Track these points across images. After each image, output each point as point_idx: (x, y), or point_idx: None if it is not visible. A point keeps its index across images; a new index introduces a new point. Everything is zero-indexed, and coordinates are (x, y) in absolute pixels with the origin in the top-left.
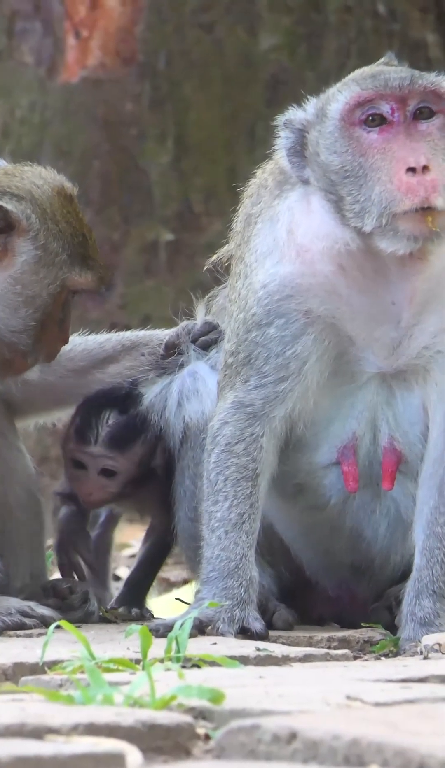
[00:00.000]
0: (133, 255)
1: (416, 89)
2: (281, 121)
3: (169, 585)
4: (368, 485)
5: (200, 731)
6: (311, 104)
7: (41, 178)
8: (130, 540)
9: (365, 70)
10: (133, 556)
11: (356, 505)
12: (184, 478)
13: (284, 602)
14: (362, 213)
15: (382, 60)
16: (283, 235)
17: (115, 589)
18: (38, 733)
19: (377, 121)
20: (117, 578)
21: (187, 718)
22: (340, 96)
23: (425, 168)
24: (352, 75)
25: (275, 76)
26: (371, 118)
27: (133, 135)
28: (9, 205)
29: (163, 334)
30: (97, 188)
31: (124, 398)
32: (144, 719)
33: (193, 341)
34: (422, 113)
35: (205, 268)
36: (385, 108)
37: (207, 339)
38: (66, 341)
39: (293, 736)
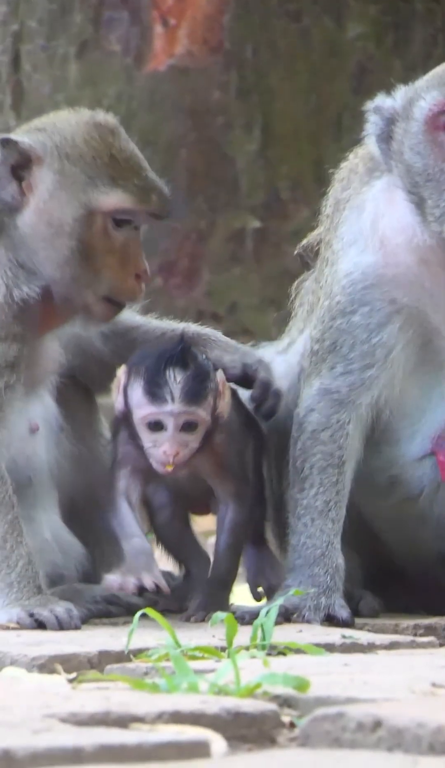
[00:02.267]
0: (219, 244)
1: None
2: (370, 106)
3: None
4: None
5: (285, 719)
6: (400, 95)
7: (75, 113)
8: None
9: None
10: None
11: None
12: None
13: (370, 590)
14: (442, 218)
15: None
16: (367, 224)
17: None
18: (123, 721)
19: None
20: None
21: (272, 706)
22: (427, 97)
23: None
24: (441, 71)
25: (362, 65)
26: None
27: (220, 124)
28: (23, 138)
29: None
30: (184, 178)
31: (180, 353)
32: (229, 707)
33: (256, 407)
34: None
35: (295, 252)
36: None
37: (270, 407)
38: (142, 276)
39: (377, 724)
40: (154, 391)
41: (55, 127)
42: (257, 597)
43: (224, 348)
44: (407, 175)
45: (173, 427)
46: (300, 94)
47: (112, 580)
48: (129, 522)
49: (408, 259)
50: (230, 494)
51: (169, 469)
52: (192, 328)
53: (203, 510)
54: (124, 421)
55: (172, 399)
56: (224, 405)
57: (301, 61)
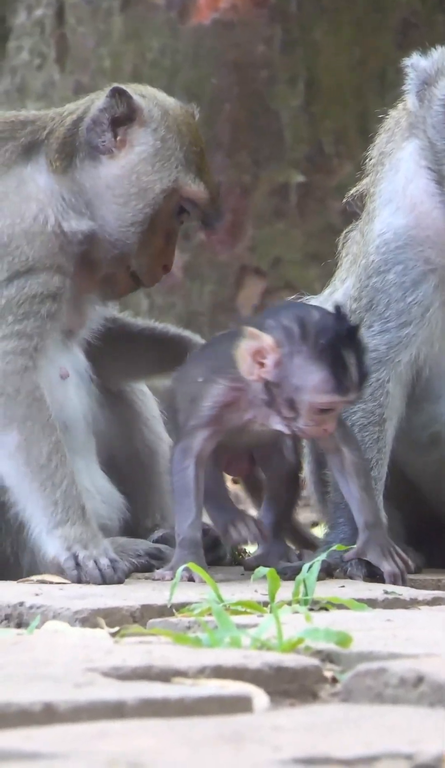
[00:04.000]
0: (263, 198)
1: None
2: (409, 62)
3: None
4: None
5: (327, 674)
6: (435, 57)
7: (163, 94)
8: None
9: None
10: None
11: None
12: None
13: (413, 546)
14: None
15: None
16: (401, 185)
17: None
18: (165, 675)
19: None
20: None
21: (314, 661)
22: None
23: None
24: None
25: (406, 20)
26: None
27: (264, 78)
28: (136, 95)
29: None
30: (228, 132)
31: (351, 332)
32: (271, 662)
33: None
34: None
35: (344, 201)
36: None
37: None
38: (169, 267)
39: (419, 679)
40: (341, 380)
41: (156, 99)
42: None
43: None
44: (429, 147)
45: (337, 410)
46: (344, 49)
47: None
48: (199, 482)
49: (438, 223)
50: (344, 438)
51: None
52: (170, 329)
53: (243, 470)
54: (236, 387)
55: (353, 387)
56: None
57: (345, 15)
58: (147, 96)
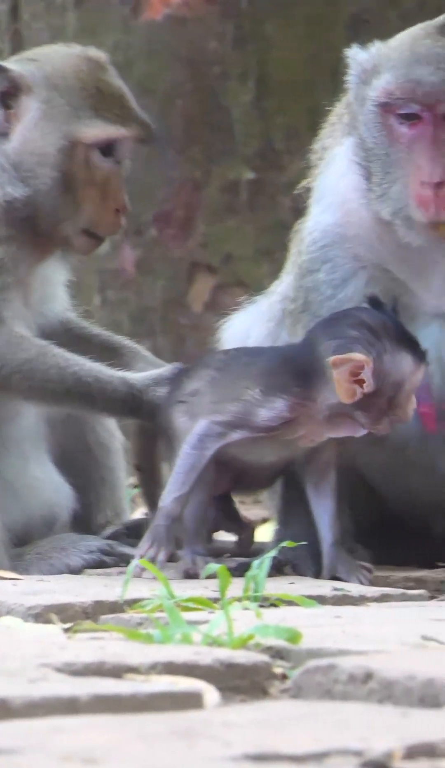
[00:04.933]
0: (215, 194)
1: None
2: (349, 53)
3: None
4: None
5: (277, 671)
6: (373, 52)
7: (68, 46)
8: None
9: (412, 45)
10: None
11: (431, 444)
12: None
13: (361, 543)
14: (382, 199)
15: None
16: (333, 181)
17: None
18: (118, 671)
19: (411, 116)
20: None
21: (264, 658)
22: (382, 76)
23: (440, 184)
24: (408, 40)
25: (357, 16)
26: (404, 113)
27: (216, 74)
28: (14, 67)
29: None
30: (180, 127)
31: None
32: (222, 658)
33: None
34: None
35: (295, 191)
36: (415, 107)
37: None
38: (122, 210)
39: (368, 676)
40: (420, 352)
41: (47, 58)
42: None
43: (149, 362)
44: (361, 143)
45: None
46: (296, 44)
47: None
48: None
49: (366, 221)
50: (336, 458)
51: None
52: (117, 338)
53: (264, 485)
54: (301, 405)
55: (425, 353)
56: None
57: (297, 10)
58: (39, 58)
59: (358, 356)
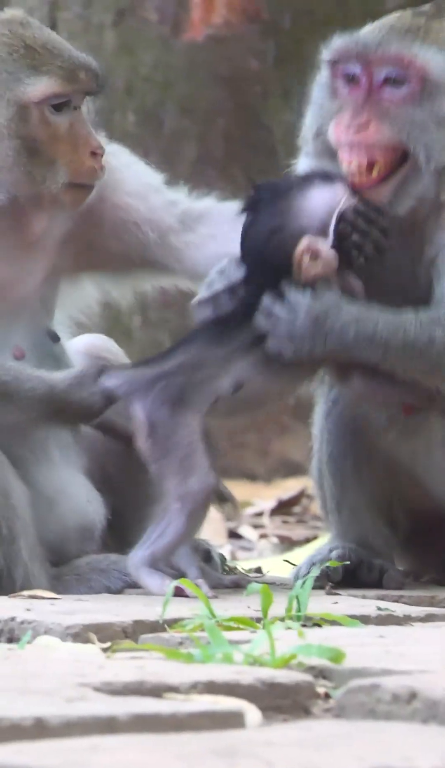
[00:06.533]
0: None
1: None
2: None
3: (292, 544)
4: None
5: (320, 690)
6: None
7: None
8: (252, 498)
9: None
10: (258, 514)
11: None
12: None
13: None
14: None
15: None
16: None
17: (240, 548)
18: (157, 691)
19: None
20: (238, 536)
21: (306, 677)
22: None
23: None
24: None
25: None
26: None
27: (257, 93)
28: None
29: None
30: (221, 146)
31: None
32: (263, 678)
33: None
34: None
35: None
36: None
37: None
38: (98, 152)
39: (412, 695)
40: None
41: None
42: None
43: None
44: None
45: None
46: None
47: None
48: None
49: None
50: None
51: None
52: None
53: None
54: None
55: None
56: None
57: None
58: None
59: (302, 245)
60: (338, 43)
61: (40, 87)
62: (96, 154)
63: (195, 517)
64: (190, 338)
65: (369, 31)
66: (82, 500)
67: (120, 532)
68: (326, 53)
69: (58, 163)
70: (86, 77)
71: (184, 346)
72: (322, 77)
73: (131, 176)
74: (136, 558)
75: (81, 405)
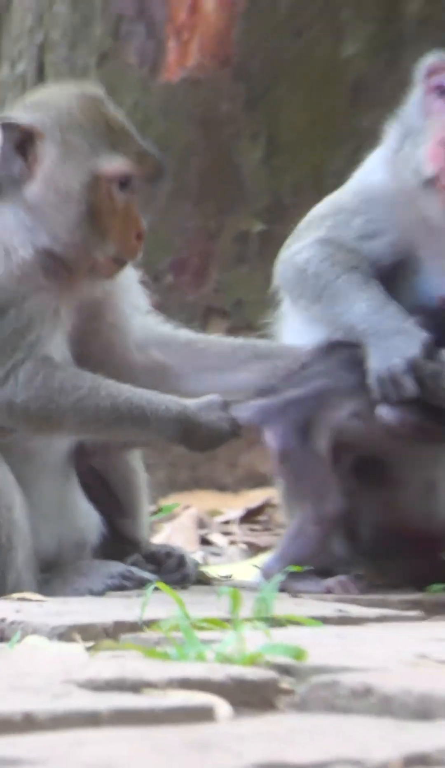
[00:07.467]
0: (227, 244)
1: None
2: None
3: (259, 550)
4: None
5: (285, 686)
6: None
7: (64, 87)
8: (222, 507)
9: None
10: (226, 522)
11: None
12: None
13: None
14: (405, 164)
15: None
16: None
17: (211, 553)
18: (136, 687)
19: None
20: (209, 543)
21: (272, 674)
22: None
23: None
24: None
25: (357, 81)
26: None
27: (229, 133)
28: (21, 118)
29: (299, 350)
30: (195, 183)
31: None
32: (233, 675)
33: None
34: None
35: None
36: None
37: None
38: (141, 235)
39: (368, 691)
40: None
41: (50, 102)
42: None
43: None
44: (400, 127)
45: None
46: (303, 106)
47: None
48: None
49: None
50: None
51: None
52: (260, 344)
53: None
54: None
55: None
56: None
57: (303, 75)
58: (43, 103)
59: None
60: (432, 59)
61: (115, 164)
62: (140, 236)
63: (327, 538)
64: (322, 359)
65: None
66: (79, 516)
67: (110, 540)
68: (420, 70)
69: (110, 236)
70: (151, 165)
71: (316, 367)
72: (414, 97)
73: (132, 294)
74: (273, 570)
75: (210, 428)
